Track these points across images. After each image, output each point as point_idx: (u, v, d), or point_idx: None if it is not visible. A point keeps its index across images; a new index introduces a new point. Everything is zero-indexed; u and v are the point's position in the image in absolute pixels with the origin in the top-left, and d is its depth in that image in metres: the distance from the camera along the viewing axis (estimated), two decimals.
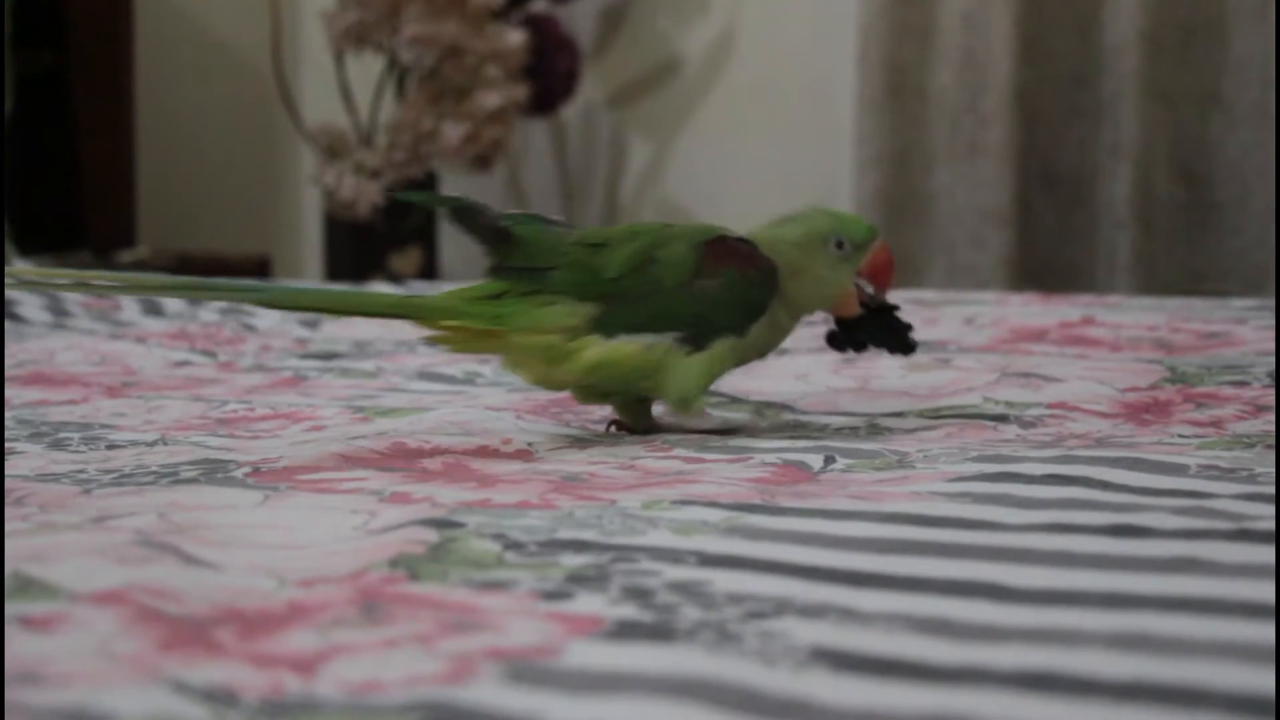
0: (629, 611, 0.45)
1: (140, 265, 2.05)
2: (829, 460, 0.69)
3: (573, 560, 0.51)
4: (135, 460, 0.72)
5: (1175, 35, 2.00)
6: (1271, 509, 0.55)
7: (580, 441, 0.76)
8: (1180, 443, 0.73)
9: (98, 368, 1.07)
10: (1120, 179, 1.99)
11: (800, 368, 0.96)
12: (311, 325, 1.32)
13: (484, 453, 0.72)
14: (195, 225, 2.48)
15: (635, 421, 0.80)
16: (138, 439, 0.80)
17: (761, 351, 0.80)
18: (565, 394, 0.82)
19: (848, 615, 0.45)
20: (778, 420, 0.84)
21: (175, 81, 2.45)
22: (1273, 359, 0.94)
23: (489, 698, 0.39)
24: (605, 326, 0.76)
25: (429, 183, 2.17)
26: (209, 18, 2.51)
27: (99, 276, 0.78)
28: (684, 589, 0.47)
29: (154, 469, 0.69)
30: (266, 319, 1.35)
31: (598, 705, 0.38)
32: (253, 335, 1.28)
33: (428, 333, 0.78)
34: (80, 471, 0.69)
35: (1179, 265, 2.02)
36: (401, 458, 0.71)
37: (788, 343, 0.84)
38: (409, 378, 1.00)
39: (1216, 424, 0.79)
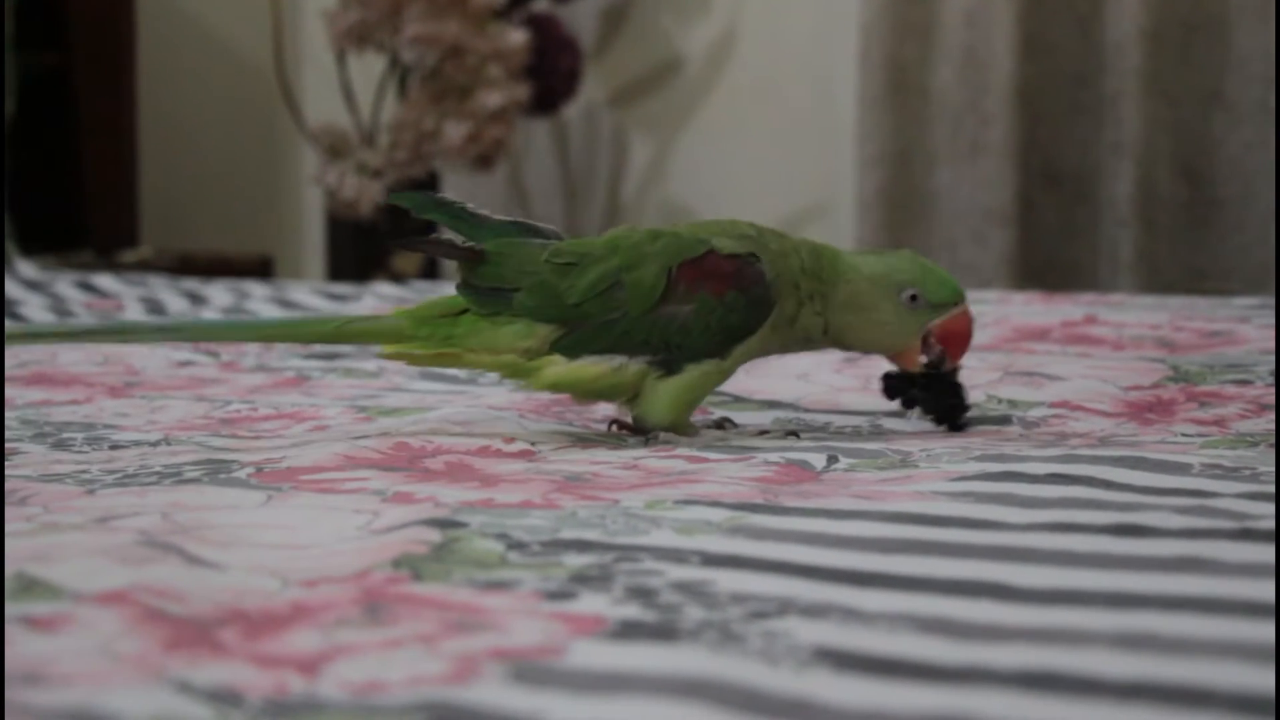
0: (632, 611, 0.45)
1: (143, 265, 2.05)
2: (832, 460, 0.69)
3: (576, 560, 0.51)
4: (139, 460, 0.72)
5: (1177, 33, 2.00)
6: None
7: (583, 441, 0.76)
8: (1183, 442, 0.73)
9: (101, 368, 1.07)
10: (1122, 177, 1.99)
11: (802, 367, 0.96)
12: None
13: (487, 452, 0.72)
14: (197, 225, 2.48)
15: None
16: (141, 439, 0.80)
17: (775, 354, 0.79)
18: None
19: (851, 615, 0.45)
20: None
21: (177, 81, 2.45)
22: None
23: (492, 698, 0.39)
24: (567, 348, 0.74)
25: (431, 183, 2.17)
26: (211, 18, 2.51)
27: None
28: (687, 589, 0.47)
29: (157, 469, 0.69)
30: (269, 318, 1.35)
31: (601, 705, 0.38)
32: None
33: (385, 349, 0.77)
34: (83, 472, 0.69)
35: (1181, 263, 2.02)
36: (404, 457, 0.71)
37: None
38: (411, 377, 1.00)
39: (1219, 423, 0.79)
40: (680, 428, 0.76)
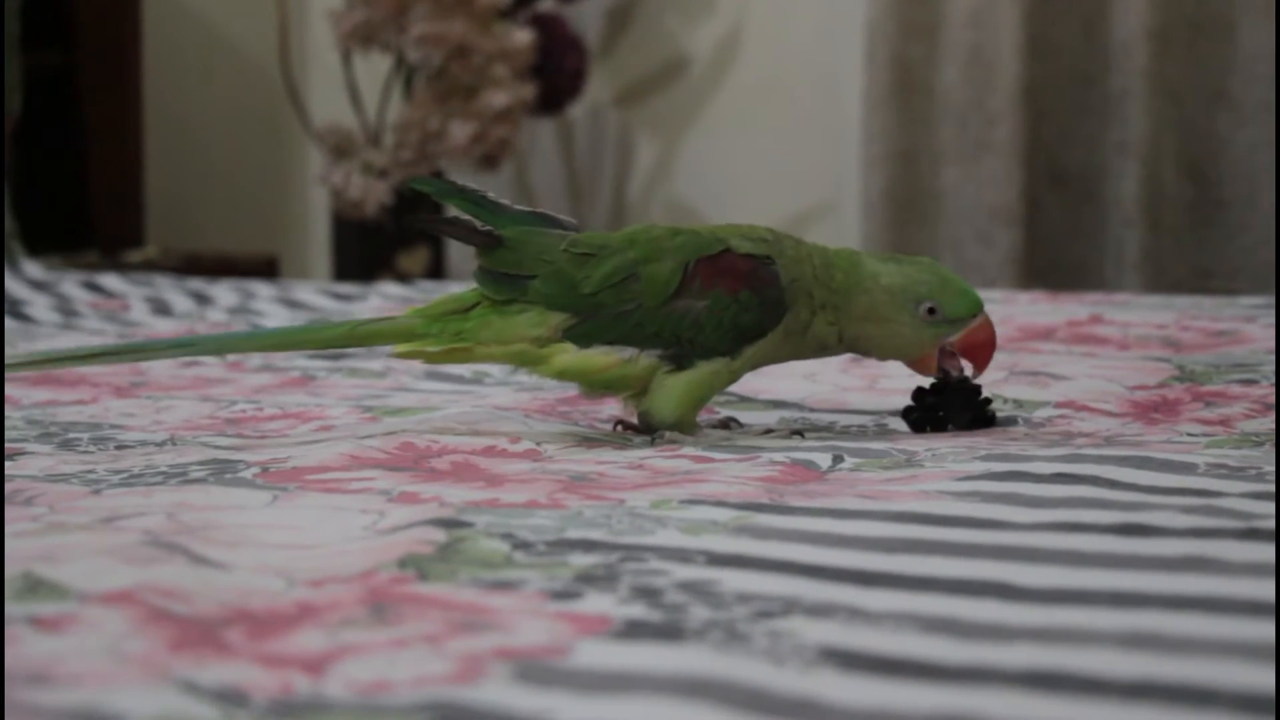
0: (638, 611, 0.45)
1: (148, 264, 2.05)
2: (837, 459, 0.69)
3: (581, 560, 0.51)
4: (144, 460, 0.72)
5: (1183, 32, 1.99)
6: None
7: (589, 441, 0.76)
8: (1189, 441, 0.72)
9: (106, 368, 1.07)
10: (1128, 177, 1.99)
11: (808, 367, 0.96)
12: None
13: (492, 452, 0.72)
14: (203, 225, 2.49)
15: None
16: (147, 439, 0.80)
17: (786, 361, 0.79)
18: (573, 392, 0.82)
19: (856, 615, 0.45)
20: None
21: (183, 81, 2.45)
22: None
23: (498, 697, 0.39)
24: (579, 336, 0.75)
25: None
26: (216, 18, 2.51)
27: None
28: (692, 588, 0.47)
29: (163, 469, 0.69)
30: (274, 319, 1.36)
31: (607, 705, 0.38)
32: None
33: (398, 349, 0.78)
34: (89, 472, 0.69)
35: (1187, 263, 2.02)
36: (410, 457, 0.71)
37: None
38: (417, 377, 1.00)
39: (1225, 422, 0.79)
40: (686, 425, 0.76)
